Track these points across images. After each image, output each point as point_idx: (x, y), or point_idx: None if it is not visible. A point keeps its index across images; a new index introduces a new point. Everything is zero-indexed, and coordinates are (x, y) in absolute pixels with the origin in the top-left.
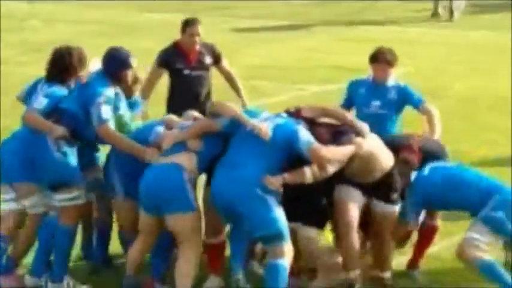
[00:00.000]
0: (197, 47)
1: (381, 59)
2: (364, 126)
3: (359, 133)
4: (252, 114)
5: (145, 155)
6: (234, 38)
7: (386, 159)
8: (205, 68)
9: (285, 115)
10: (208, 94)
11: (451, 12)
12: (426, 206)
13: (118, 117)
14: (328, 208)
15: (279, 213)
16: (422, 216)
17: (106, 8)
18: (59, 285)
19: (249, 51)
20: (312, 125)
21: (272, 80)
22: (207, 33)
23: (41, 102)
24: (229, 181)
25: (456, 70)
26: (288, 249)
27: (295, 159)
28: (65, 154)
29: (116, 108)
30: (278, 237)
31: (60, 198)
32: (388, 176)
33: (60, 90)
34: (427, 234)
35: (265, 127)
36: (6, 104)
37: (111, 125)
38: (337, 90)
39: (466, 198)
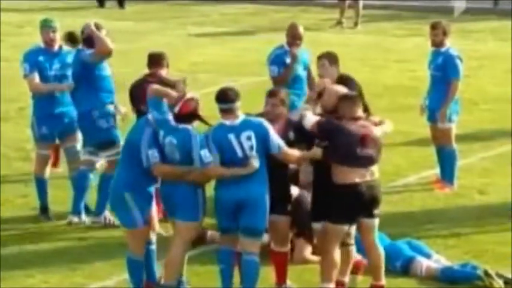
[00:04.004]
0: None
1: None
2: None
3: None
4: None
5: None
6: (182, 40)
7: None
8: None
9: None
10: None
11: (356, 23)
12: None
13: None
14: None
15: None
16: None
17: (76, 16)
18: (99, 218)
19: (194, 51)
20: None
21: (211, 73)
22: (161, 36)
23: None
24: (243, 185)
25: (352, 65)
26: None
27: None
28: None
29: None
30: (262, 233)
31: (107, 154)
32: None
33: None
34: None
35: (252, 164)
36: None
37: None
38: (262, 81)
39: None
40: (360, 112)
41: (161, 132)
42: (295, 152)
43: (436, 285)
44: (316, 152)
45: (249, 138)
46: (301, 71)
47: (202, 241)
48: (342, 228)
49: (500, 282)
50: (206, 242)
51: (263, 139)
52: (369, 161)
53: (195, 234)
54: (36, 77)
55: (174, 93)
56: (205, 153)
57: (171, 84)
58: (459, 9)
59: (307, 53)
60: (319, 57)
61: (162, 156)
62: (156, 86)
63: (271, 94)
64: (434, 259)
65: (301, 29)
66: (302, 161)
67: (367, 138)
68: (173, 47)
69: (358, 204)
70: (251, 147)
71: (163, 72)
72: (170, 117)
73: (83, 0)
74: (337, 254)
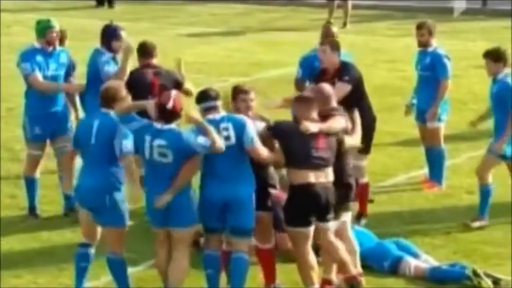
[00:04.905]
0: None
1: None
2: None
3: None
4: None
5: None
6: (172, 40)
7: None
8: None
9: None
10: None
11: (345, 23)
12: None
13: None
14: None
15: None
16: None
17: (65, 16)
18: None
19: (184, 51)
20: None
21: (202, 73)
22: (151, 36)
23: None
24: (229, 184)
25: None
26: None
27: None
28: None
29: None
30: (251, 232)
31: None
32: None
33: None
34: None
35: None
36: None
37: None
38: (252, 81)
39: None
40: (314, 115)
41: (147, 138)
42: (264, 151)
43: (425, 285)
44: (281, 159)
45: (225, 129)
46: None
47: (196, 246)
48: (302, 231)
49: (489, 281)
50: (200, 247)
51: (239, 130)
52: (324, 162)
53: (194, 237)
54: (40, 75)
55: (144, 103)
56: (201, 138)
57: (168, 73)
58: (459, 9)
59: (350, 55)
60: (322, 44)
61: (150, 160)
62: (124, 105)
63: (241, 91)
64: (423, 259)
65: (333, 29)
66: (269, 161)
67: (320, 138)
68: (163, 47)
69: (313, 204)
70: (227, 138)
71: (155, 62)
72: (150, 121)
73: (72, 0)
74: (310, 255)
